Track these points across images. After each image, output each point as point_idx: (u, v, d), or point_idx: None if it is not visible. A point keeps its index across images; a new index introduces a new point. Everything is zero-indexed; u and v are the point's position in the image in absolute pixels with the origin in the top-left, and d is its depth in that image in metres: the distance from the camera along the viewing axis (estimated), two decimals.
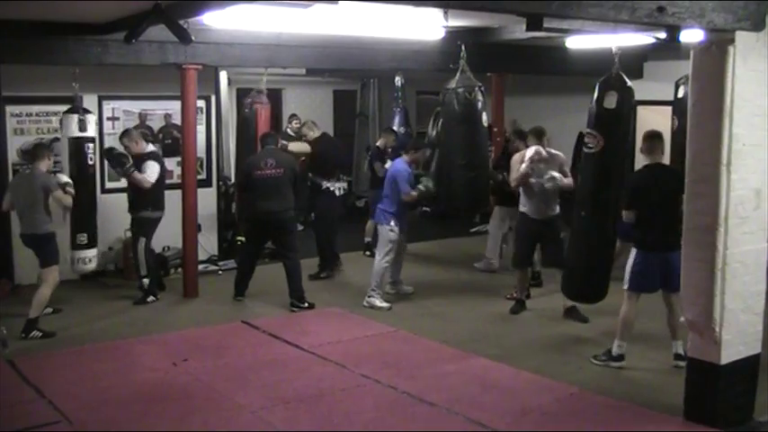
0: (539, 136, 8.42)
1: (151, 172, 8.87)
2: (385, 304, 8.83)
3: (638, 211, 6.75)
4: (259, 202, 8.85)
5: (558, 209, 8.42)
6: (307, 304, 8.80)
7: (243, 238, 10.20)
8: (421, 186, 8.97)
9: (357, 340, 7.77)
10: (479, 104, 8.64)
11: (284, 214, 8.80)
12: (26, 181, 8.08)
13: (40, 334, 7.77)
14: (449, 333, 7.96)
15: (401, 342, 7.75)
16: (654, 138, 6.90)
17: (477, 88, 8.61)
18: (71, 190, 8.05)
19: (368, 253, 11.02)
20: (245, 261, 9.24)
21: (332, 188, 10.02)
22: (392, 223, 8.84)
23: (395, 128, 12.56)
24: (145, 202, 8.93)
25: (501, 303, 8.94)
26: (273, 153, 9.01)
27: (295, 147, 10.13)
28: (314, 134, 10.23)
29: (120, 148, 9.10)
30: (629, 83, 6.73)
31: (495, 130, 10.93)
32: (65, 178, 8.12)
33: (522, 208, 8.46)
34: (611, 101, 6.63)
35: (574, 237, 7.13)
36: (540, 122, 13.18)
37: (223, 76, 11.45)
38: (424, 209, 11.66)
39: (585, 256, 6.99)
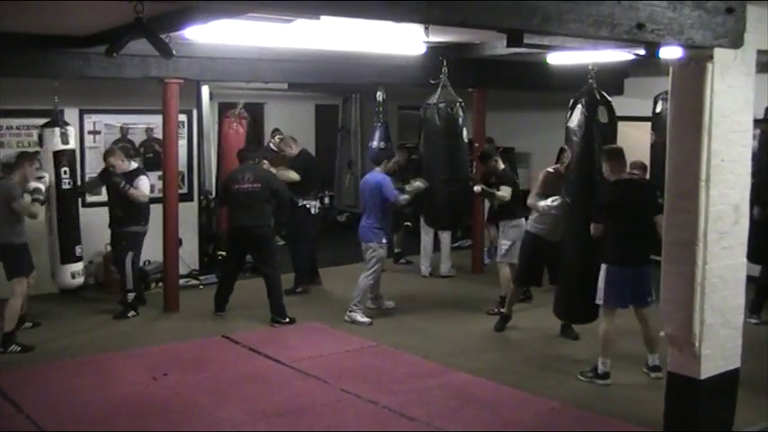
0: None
1: (144, 186, 8.88)
2: (366, 319, 8.81)
3: (609, 225, 6.78)
4: (235, 216, 8.86)
5: None
6: (288, 319, 8.77)
7: (224, 253, 10.17)
8: (408, 188, 8.97)
9: (338, 355, 7.75)
10: (460, 120, 8.69)
11: (259, 229, 8.76)
12: None
13: (19, 348, 7.70)
14: (429, 348, 7.95)
15: (382, 357, 7.74)
16: (614, 156, 6.88)
17: (458, 104, 8.66)
18: (39, 197, 7.89)
19: (403, 261, 11.64)
20: (224, 275, 9.22)
21: (308, 206, 9.99)
22: (383, 240, 8.84)
23: (374, 143, 12.55)
24: (137, 216, 8.92)
25: (483, 319, 8.94)
26: (252, 168, 8.99)
27: (282, 174, 9.97)
28: (293, 150, 10.17)
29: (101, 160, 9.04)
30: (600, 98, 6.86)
31: (477, 145, 10.95)
32: (33, 185, 7.93)
33: (533, 228, 8.33)
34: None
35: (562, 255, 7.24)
36: (522, 138, 13.43)
37: (205, 90, 11.44)
38: (406, 223, 11.68)
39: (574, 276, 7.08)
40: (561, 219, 8.01)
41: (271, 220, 8.94)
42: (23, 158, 8.11)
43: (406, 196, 8.92)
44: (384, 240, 8.86)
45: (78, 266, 8.56)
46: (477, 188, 9.08)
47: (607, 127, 7.16)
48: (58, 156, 8.33)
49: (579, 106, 7.13)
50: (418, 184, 8.93)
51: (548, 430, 6.03)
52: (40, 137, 8.48)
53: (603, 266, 6.81)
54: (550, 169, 8.26)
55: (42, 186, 8.01)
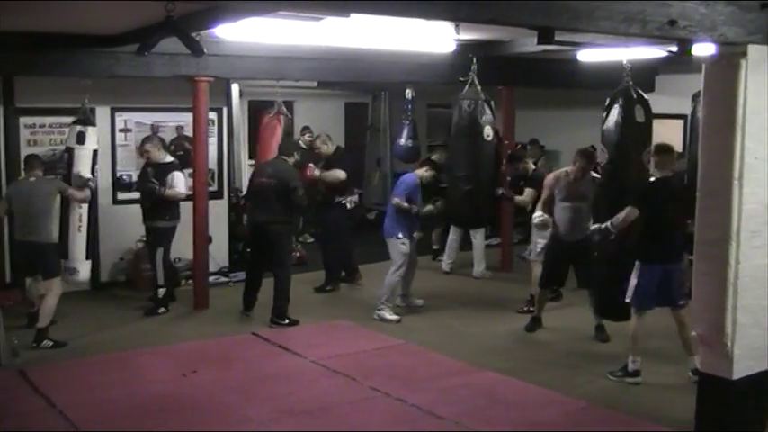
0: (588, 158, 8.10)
1: (179, 183, 8.90)
2: (394, 317, 8.80)
3: (642, 222, 6.72)
4: (252, 211, 8.87)
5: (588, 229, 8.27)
6: (288, 321, 8.65)
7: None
8: (430, 207, 9.00)
9: (366, 353, 7.75)
10: (482, 117, 8.61)
11: (271, 226, 8.62)
12: (32, 188, 7.95)
13: (51, 343, 7.77)
14: (458, 346, 7.93)
15: (410, 355, 7.73)
16: (664, 152, 6.87)
17: (480, 101, 8.62)
18: (91, 185, 8.15)
19: (440, 258, 11.43)
20: (249, 273, 9.18)
21: (343, 201, 9.96)
22: (401, 236, 8.81)
23: (402, 140, 12.52)
24: (162, 211, 8.93)
25: (512, 318, 8.90)
26: (275, 163, 8.95)
27: (331, 175, 9.88)
28: (328, 148, 10.06)
29: (134, 158, 9.10)
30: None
31: (507, 143, 10.90)
32: (86, 174, 8.15)
33: (553, 229, 8.25)
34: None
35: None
36: (551, 136, 13.35)
37: (235, 88, 11.47)
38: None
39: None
40: (578, 219, 7.99)
41: (287, 217, 8.79)
42: (39, 158, 8.26)
43: (400, 202, 8.82)
44: (402, 235, 8.81)
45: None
46: (499, 191, 9.06)
47: (643, 126, 7.10)
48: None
49: (616, 105, 7.07)
50: (430, 208, 9.00)
51: (576, 430, 5.99)
52: (82, 134, 8.41)
53: (636, 264, 6.77)
54: (565, 172, 8.15)
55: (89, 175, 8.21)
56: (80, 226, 8.27)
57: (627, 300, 6.84)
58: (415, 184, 8.93)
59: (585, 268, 8.09)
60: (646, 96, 7.28)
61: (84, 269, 8.36)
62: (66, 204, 8.19)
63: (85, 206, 8.28)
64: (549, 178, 8.26)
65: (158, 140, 9.29)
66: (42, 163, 8.20)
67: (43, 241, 7.90)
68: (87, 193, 8.12)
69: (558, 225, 8.13)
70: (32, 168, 8.09)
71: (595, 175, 8.08)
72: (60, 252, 8.14)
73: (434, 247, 11.87)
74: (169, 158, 9.16)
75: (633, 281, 6.77)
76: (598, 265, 7.40)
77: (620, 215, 6.76)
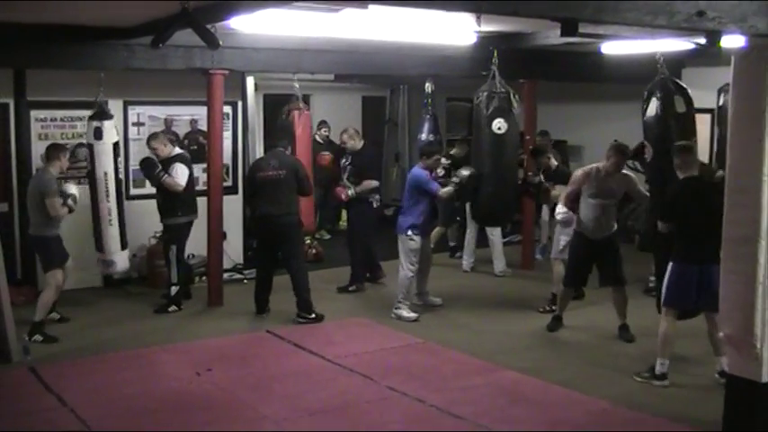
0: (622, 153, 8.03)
1: (180, 175, 8.89)
2: (412, 315, 8.81)
3: (676, 223, 6.70)
4: (259, 205, 8.83)
5: (615, 226, 8.18)
6: (314, 315, 8.71)
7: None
8: (455, 178, 8.93)
9: (383, 351, 7.77)
10: (504, 111, 8.61)
11: (283, 219, 8.64)
12: (32, 180, 8.22)
13: (42, 338, 7.84)
14: (477, 345, 7.93)
15: (428, 354, 7.74)
16: (685, 151, 6.81)
17: (502, 95, 8.61)
18: (71, 203, 8.08)
19: (458, 254, 11.52)
20: (259, 272, 9.15)
21: (370, 199, 9.96)
22: (410, 232, 8.79)
23: (423, 135, 12.51)
24: (174, 207, 8.96)
25: (533, 317, 8.90)
26: (278, 154, 8.93)
27: (367, 185, 9.86)
28: (354, 143, 10.01)
29: (147, 152, 9.14)
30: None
31: (528, 138, 10.89)
32: (72, 189, 8.17)
33: (578, 226, 8.21)
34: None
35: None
36: (574, 131, 13.31)
37: (250, 81, 11.50)
38: (457, 218, 11.63)
39: None
40: (606, 217, 7.96)
41: (296, 208, 8.84)
42: (58, 150, 8.22)
43: (448, 188, 8.87)
44: (412, 232, 8.79)
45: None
46: (536, 179, 9.07)
47: (685, 117, 7.06)
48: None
49: (654, 98, 7.05)
50: (463, 174, 8.86)
51: (598, 431, 5.97)
52: (99, 129, 8.46)
53: (670, 264, 6.74)
54: (596, 168, 8.10)
55: (77, 194, 8.20)
56: (110, 219, 8.47)
57: (662, 300, 6.81)
58: (426, 175, 8.91)
59: (609, 266, 8.09)
60: (684, 85, 7.25)
61: (120, 260, 8.73)
62: (94, 198, 8.42)
63: (113, 199, 8.45)
64: (579, 174, 8.19)
65: (163, 135, 9.28)
66: (58, 153, 8.16)
67: (33, 234, 8.06)
68: (63, 210, 8.00)
69: (584, 222, 8.10)
70: (45, 159, 8.19)
71: (627, 172, 8.07)
72: (97, 246, 8.55)
73: (451, 243, 11.89)
74: (177, 150, 9.19)
75: (666, 281, 6.75)
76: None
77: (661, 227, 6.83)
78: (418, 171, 8.97)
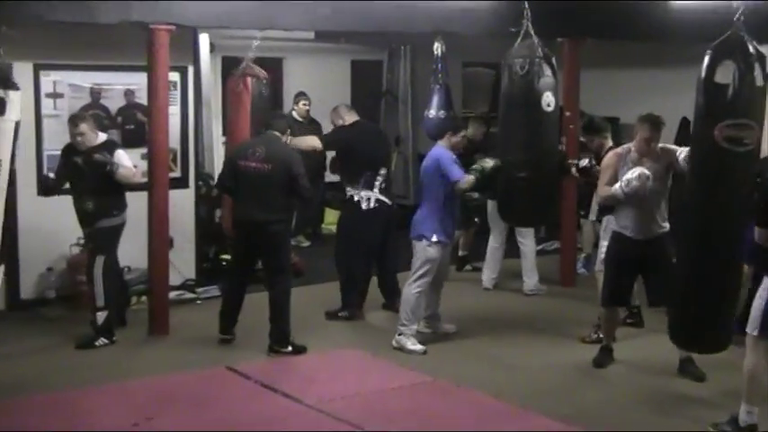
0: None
1: (129, 162, 8.87)
2: (419, 346, 8.81)
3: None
4: (239, 205, 8.87)
5: (667, 224, 8.18)
6: (291, 348, 8.72)
7: (228, 257, 10.19)
8: (476, 166, 8.91)
9: (382, 393, 7.77)
10: (540, 81, 8.61)
11: (270, 226, 8.68)
12: None
13: None
14: (504, 385, 7.95)
15: (440, 396, 7.75)
16: None
17: (537, 59, 8.60)
18: None
19: (469, 267, 11.88)
20: (231, 286, 9.20)
21: (356, 198, 9.88)
22: (434, 238, 8.78)
23: (432, 111, 12.47)
24: (107, 206, 8.87)
25: (575, 347, 8.93)
26: (266, 141, 8.93)
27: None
28: (345, 123, 10.06)
29: (65, 132, 9.05)
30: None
31: (568, 114, 10.87)
32: None
33: (615, 225, 8.25)
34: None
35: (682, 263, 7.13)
36: (629, 105, 13.29)
37: (204, 40, 11.49)
38: (475, 219, 11.64)
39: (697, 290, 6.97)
40: (650, 211, 7.99)
41: (287, 213, 8.91)
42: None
43: (470, 176, 8.84)
44: (437, 238, 8.79)
45: None
46: (583, 162, 9.02)
47: (763, 91, 7.04)
48: None
49: (727, 64, 6.99)
50: (485, 165, 8.86)
51: None
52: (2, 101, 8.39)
53: (764, 281, 6.69)
54: (628, 147, 8.11)
55: None
56: None
57: (751, 331, 6.74)
58: (452, 156, 8.92)
59: (661, 278, 8.06)
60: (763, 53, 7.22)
61: None
62: None
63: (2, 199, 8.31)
64: (610, 157, 8.22)
65: (91, 117, 9.22)
66: None
67: None
68: None
69: (623, 218, 8.12)
70: None
71: (672, 146, 8.08)
72: None
73: (460, 253, 11.90)
74: (102, 137, 9.07)
75: (759, 301, 6.67)
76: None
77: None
78: (441, 150, 8.95)
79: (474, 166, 8.94)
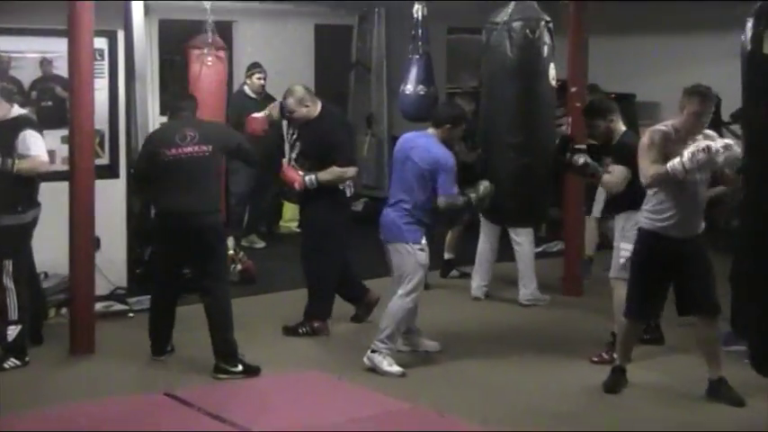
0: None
1: (36, 145, 8.80)
2: (396, 368, 8.78)
3: None
4: (170, 197, 8.81)
5: (703, 223, 8.18)
6: (241, 368, 8.69)
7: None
8: (472, 192, 8.88)
9: (351, 423, 7.75)
10: (544, 49, 8.62)
11: (209, 217, 8.76)
12: None
13: None
14: (496, 411, 7.95)
15: (420, 426, 7.76)
16: None
17: (542, 23, 8.61)
18: None
19: (455, 273, 12.09)
20: (158, 297, 9.20)
21: (342, 187, 9.85)
22: (423, 241, 8.81)
23: (409, 86, 12.45)
24: (13, 199, 8.84)
25: (583, 369, 8.95)
26: (192, 122, 8.97)
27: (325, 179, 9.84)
28: (309, 110, 9.86)
29: None
30: None
31: (574, 90, 10.89)
32: None
33: (649, 222, 8.18)
34: None
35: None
36: (646, 80, 13.36)
37: (137, 2, 11.45)
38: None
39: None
40: (695, 206, 8.00)
41: (219, 203, 9.00)
42: None
43: (461, 200, 8.85)
44: (424, 241, 8.83)
45: None
46: (580, 160, 8.97)
47: None
48: None
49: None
50: (482, 185, 8.88)
51: None
52: None
53: None
54: (672, 126, 8.07)
55: None
56: None
57: None
58: (451, 160, 8.86)
59: (696, 285, 8.05)
60: None
61: None
62: None
63: None
64: (656, 135, 8.05)
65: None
66: None
67: None
68: None
69: (658, 214, 8.06)
70: None
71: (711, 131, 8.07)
72: None
73: (446, 256, 11.95)
74: (17, 110, 9.04)
75: None
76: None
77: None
78: (442, 151, 8.86)
79: (470, 192, 8.90)
